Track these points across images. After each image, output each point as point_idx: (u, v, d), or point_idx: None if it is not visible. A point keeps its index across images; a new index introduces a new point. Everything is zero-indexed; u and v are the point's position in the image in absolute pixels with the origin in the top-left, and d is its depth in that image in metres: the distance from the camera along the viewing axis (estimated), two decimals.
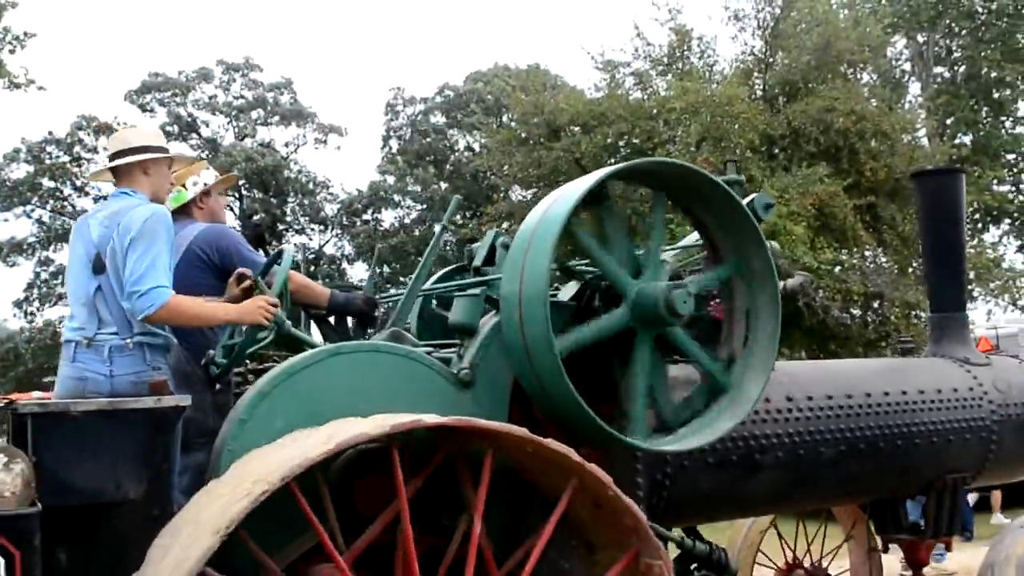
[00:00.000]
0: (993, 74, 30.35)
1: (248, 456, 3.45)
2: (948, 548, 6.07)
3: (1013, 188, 30.23)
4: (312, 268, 37.00)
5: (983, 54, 30.24)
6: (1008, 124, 31.43)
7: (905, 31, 31.04)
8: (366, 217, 35.62)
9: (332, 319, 4.95)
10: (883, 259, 24.44)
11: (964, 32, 31.25)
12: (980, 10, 30.84)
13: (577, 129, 25.47)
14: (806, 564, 6.85)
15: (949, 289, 6.36)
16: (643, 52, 27.65)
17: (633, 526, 3.78)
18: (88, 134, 33.46)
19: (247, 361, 4.77)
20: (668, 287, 4.04)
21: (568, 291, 4.44)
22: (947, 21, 31.06)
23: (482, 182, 32.39)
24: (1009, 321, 21.58)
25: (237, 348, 4.36)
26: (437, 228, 4.89)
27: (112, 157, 4.34)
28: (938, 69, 31.98)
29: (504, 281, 4.00)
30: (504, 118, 31.62)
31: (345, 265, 38.22)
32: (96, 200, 29.31)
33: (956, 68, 32.07)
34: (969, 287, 26.25)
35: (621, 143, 25.89)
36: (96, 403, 3.51)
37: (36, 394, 4.76)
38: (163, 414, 3.51)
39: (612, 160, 25.76)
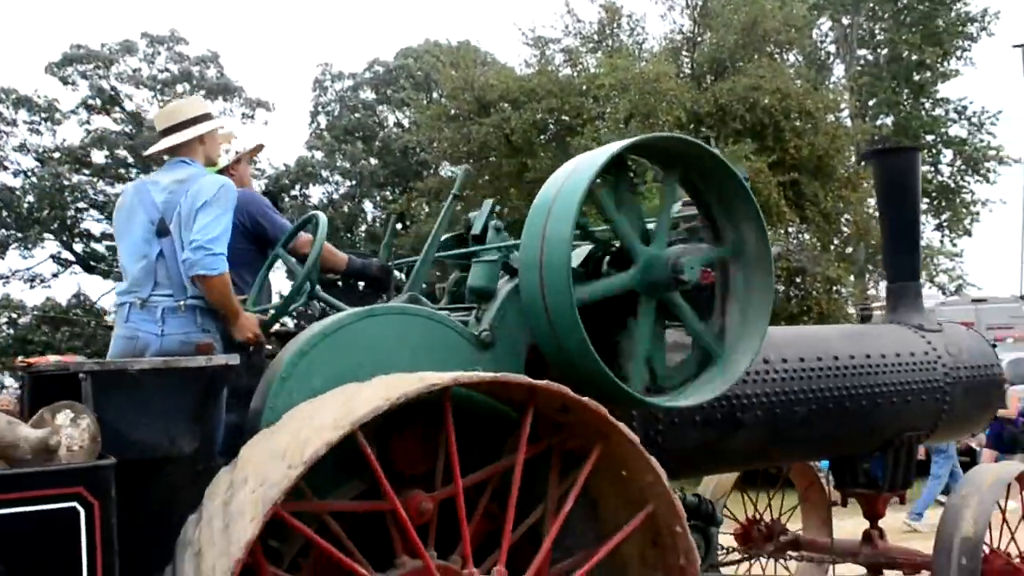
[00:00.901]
0: (914, 57, 31.24)
1: (302, 407, 3.66)
2: (902, 501, 6.45)
3: (931, 168, 31.13)
4: None
5: (904, 37, 31.11)
6: (927, 106, 32.41)
7: (830, 13, 31.81)
8: (294, 193, 35.33)
9: (340, 284, 5.16)
10: (806, 236, 25.02)
11: (886, 15, 32.11)
12: None
13: (507, 105, 25.59)
14: (766, 519, 7.20)
15: (905, 260, 6.74)
16: (573, 29, 28.05)
17: (653, 483, 4.04)
18: (7, 107, 32.72)
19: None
20: (676, 254, 4.32)
21: (577, 257, 4.67)
22: (870, 4, 31.91)
23: (412, 158, 32.30)
24: (926, 297, 22.12)
25: (277, 311, 4.56)
26: (449, 199, 5.08)
27: (169, 131, 4.49)
28: (861, 51, 32.83)
29: (524, 247, 4.22)
30: (434, 94, 31.60)
31: None
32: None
33: (878, 50, 32.95)
34: None
35: (551, 119, 26.09)
36: (151, 362, 3.65)
37: (53, 358, 4.88)
38: (214, 372, 3.68)
39: (541, 137, 26.04)
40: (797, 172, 23.72)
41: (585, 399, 3.82)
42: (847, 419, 5.80)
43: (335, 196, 35.46)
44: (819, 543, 6.91)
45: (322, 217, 4.71)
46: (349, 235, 34.12)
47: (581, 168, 4.27)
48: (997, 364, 6.71)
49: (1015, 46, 49.35)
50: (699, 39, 26.92)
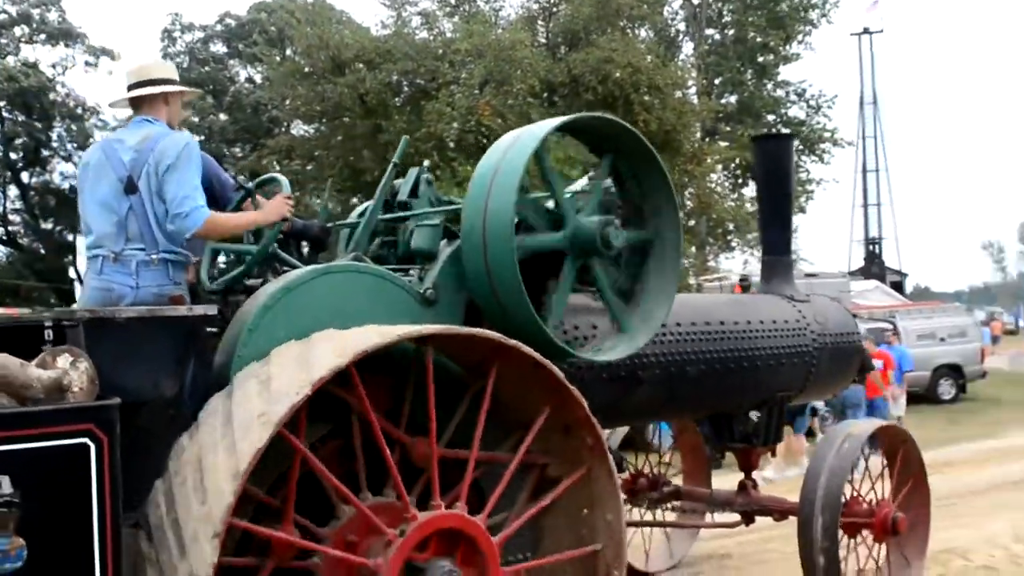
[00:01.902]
0: (758, 39, 32.65)
1: (282, 350, 3.95)
2: (773, 454, 7.05)
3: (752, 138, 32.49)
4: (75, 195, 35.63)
5: (750, 19, 32.49)
6: (770, 87, 33.92)
7: None
8: None
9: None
10: None
11: None
12: None
13: (362, 66, 25.64)
14: (647, 474, 7.74)
15: (779, 236, 7.34)
16: None
17: (593, 445, 4.51)
18: None
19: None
20: (604, 222, 4.75)
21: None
22: None
23: (263, 115, 32.07)
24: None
25: (245, 268, 4.80)
26: (389, 167, 5.37)
27: (135, 86, 4.69)
28: (709, 31, 34.05)
29: (468, 212, 4.58)
30: (288, 51, 31.34)
31: None
32: None
33: (726, 31, 34.24)
34: (728, 238, 28.33)
35: (406, 82, 26.26)
36: (137, 311, 3.87)
37: (1, 311, 5.01)
38: (195, 322, 3.94)
39: (396, 98, 26.18)
40: None
41: (545, 361, 4.24)
42: (731, 379, 6.35)
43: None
44: (698, 493, 7.49)
45: (284, 180, 4.98)
46: None
47: (524, 139, 4.66)
48: (857, 332, 7.41)
49: (852, 34, 52.10)
50: (555, 9, 27.43)
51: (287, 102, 27.50)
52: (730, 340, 6.34)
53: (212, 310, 4.03)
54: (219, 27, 35.64)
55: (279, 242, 5.06)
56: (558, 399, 4.45)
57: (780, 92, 34.06)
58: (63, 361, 3.53)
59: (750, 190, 32.94)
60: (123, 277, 4.34)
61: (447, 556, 4.12)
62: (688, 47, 34.10)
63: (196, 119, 33.58)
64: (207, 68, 34.82)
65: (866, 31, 50.61)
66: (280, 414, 3.54)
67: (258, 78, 34.45)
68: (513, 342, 4.20)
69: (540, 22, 27.44)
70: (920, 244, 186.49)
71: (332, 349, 3.77)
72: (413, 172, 5.56)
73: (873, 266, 40.91)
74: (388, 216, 5.28)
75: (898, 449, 6.63)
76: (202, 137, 34.00)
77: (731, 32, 33.84)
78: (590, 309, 5.31)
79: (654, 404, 6.04)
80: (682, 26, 34.54)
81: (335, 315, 4.26)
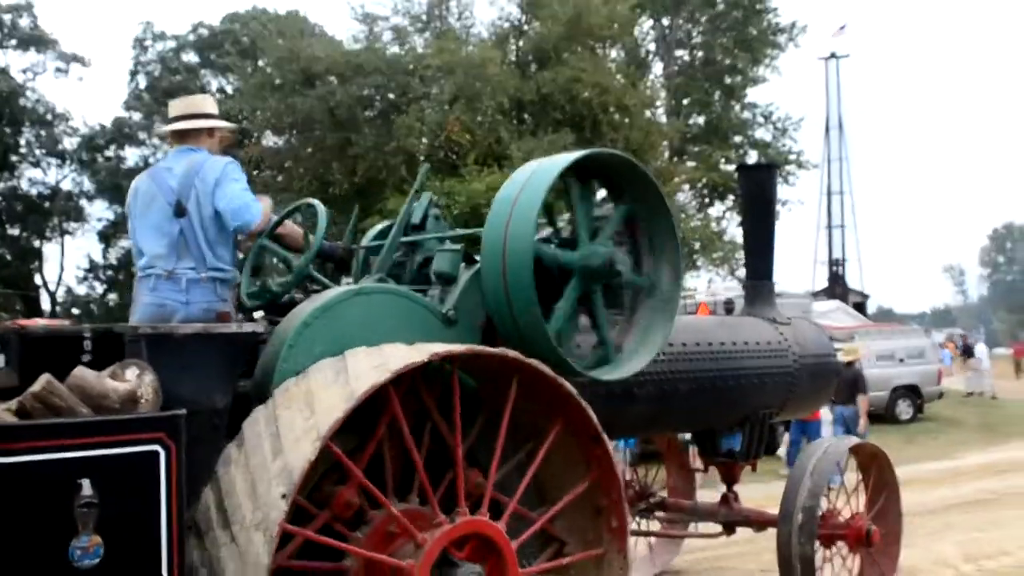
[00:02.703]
0: (727, 61, 33.30)
1: (322, 366, 4.28)
2: (754, 469, 7.44)
3: (738, 168, 33.11)
4: (47, 204, 35.70)
5: (719, 41, 33.17)
6: (737, 109, 34.57)
7: (651, 12, 33.36)
8: (108, 153, 34.60)
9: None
10: None
11: (704, 19, 34.03)
12: (719, 0, 33.62)
13: (333, 79, 25.91)
14: (635, 486, 8.14)
15: (762, 262, 7.76)
16: (403, 8, 28.59)
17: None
18: None
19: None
20: (613, 252, 5.13)
21: None
22: (690, 7, 33.68)
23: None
24: (727, 289, 23.66)
25: (291, 278, 5.16)
26: (411, 194, 5.72)
27: (182, 119, 5.04)
28: (679, 52, 34.65)
29: (487, 238, 4.96)
30: (259, 62, 31.51)
31: (84, 202, 37.05)
32: None
33: (695, 52, 34.90)
34: (693, 257, 28.82)
35: (376, 96, 26.53)
36: (194, 327, 4.22)
37: (42, 322, 5.33)
38: (243, 338, 4.30)
39: (367, 112, 26.43)
40: None
41: (561, 379, 4.67)
42: (718, 396, 6.75)
43: (152, 160, 34.88)
44: (682, 505, 7.89)
45: (321, 208, 5.34)
46: None
47: (543, 170, 5.04)
48: (834, 354, 7.85)
49: (820, 58, 53.05)
50: (526, 27, 27.81)
51: (257, 113, 27.62)
52: (718, 360, 6.74)
53: (260, 327, 4.37)
54: (191, 37, 35.77)
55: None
56: (569, 414, 4.82)
57: (747, 114, 34.75)
58: (131, 373, 3.86)
59: (716, 210, 33.59)
60: (175, 294, 4.70)
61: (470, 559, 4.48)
62: (658, 67, 34.76)
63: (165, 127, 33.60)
64: (179, 77, 34.88)
65: (833, 56, 51.54)
66: (328, 427, 3.88)
67: (229, 89, 34.58)
68: (531, 361, 4.59)
69: (511, 40, 27.76)
70: (883, 266, 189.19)
71: (372, 366, 4.12)
72: (424, 197, 5.92)
73: (836, 287, 41.61)
74: (406, 239, 5.63)
75: (872, 465, 7.05)
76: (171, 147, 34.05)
77: (700, 54, 34.48)
78: (590, 329, 5.69)
79: (646, 420, 6.43)
80: (652, 46, 35.17)
81: (367, 333, 4.60)
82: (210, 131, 5.20)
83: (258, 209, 4.85)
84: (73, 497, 3.46)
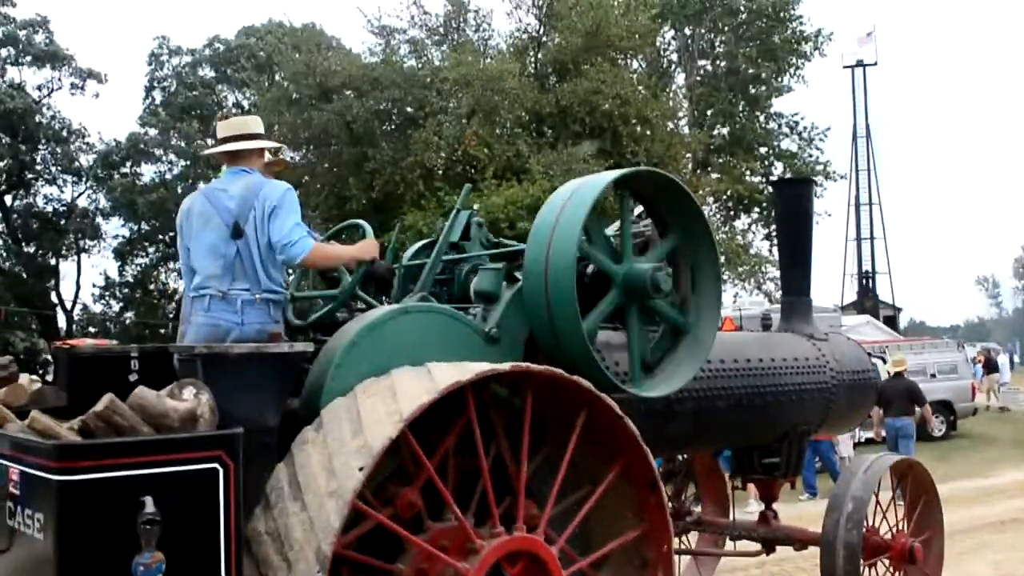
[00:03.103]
0: (751, 71, 33.40)
1: (368, 387, 4.42)
2: (792, 486, 7.53)
3: (763, 179, 33.35)
4: (63, 222, 35.98)
5: (742, 51, 33.23)
6: (762, 119, 34.68)
7: (672, 23, 33.52)
8: (124, 170, 34.84)
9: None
10: None
11: (727, 28, 34.14)
12: (742, 8, 33.79)
13: (350, 92, 26.14)
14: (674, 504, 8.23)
15: (799, 278, 7.87)
16: (419, 20, 28.79)
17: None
18: None
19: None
20: (656, 267, 5.27)
21: None
22: (712, 17, 33.80)
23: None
24: (752, 303, 23.67)
25: (339, 297, 5.31)
26: (454, 212, 5.90)
27: (232, 139, 5.18)
28: (701, 62, 34.79)
29: (529, 258, 5.11)
30: (276, 76, 31.75)
31: (100, 220, 37.38)
32: None
33: (718, 62, 35.01)
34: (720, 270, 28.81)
35: (393, 110, 26.70)
36: (247, 347, 4.36)
37: (89, 341, 5.47)
38: (295, 357, 4.43)
39: (384, 126, 26.61)
40: None
41: (626, 418, 4.86)
42: (756, 413, 6.85)
43: (168, 176, 35.23)
44: (721, 523, 7.98)
45: (368, 228, 5.48)
46: None
47: (583, 191, 5.19)
48: (873, 369, 7.93)
49: (845, 67, 53.19)
50: (544, 39, 27.97)
51: (274, 128, 27.78)
52: (757, 376, 6.84)
53: (310, 347, 4.50)
54: (207, 51, 36.07)
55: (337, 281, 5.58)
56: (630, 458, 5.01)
57: (772, 124, 34.84)
58: (188, 393, 3.99)
59: (742, 223, 33.62)
60: (229, 315, 4.82)
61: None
62: (680, 78, 34.90)
63: (183, 143, 33.95)
64: (195, 92, 35.23)
65: (860, 64, 51.66)
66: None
67: (246, 103, 34.86)
68: (582, 381, 4.72)
69: (529, 52, 27.92)
70: (915, 278, 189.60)
71: (421, 386, 4.26)
72: (464, 215, 6.07)
73: (866, 300, 41.61)
74: (448, 258, 5.77)
75: (910, 479, 7.15)
76: (188, 162, 34.40)
77: (723, 64, 34.58)
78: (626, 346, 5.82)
79: (686, 436, 6.53)
80: (674, 57, 35.31)
81: (412, 351, 4.75)
82: (260, 152, 5.31)
83: (307, 244, 4.91)
84: (136, 514, 3.58)
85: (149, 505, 3.61)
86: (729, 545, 8.16)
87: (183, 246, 5.15)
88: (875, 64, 54.19)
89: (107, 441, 3.70)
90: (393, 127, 27.07)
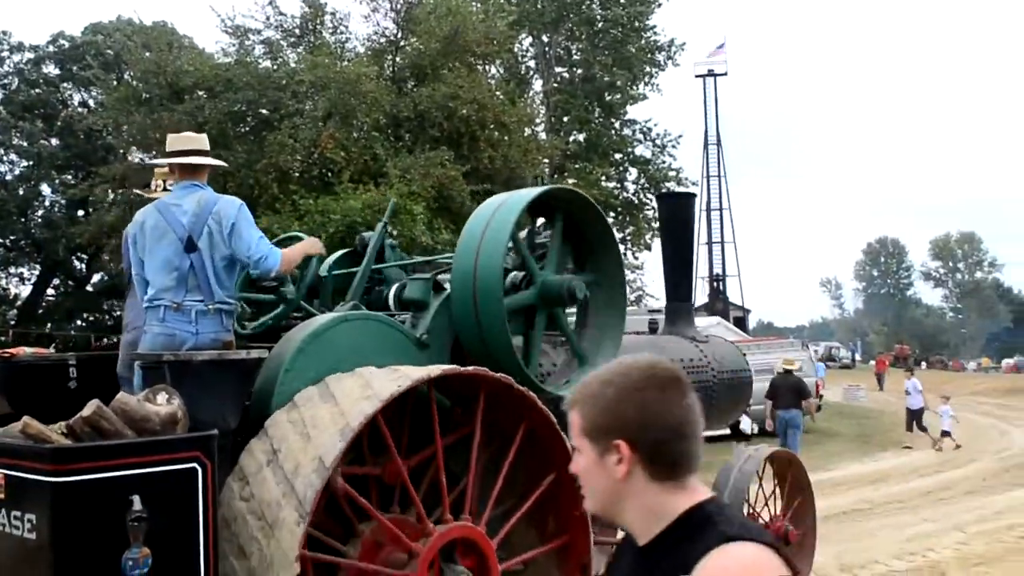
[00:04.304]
0: (606, 78, 34.37)
1: (311, 395, 4.82)
2: None
3: (618, 184, 34.31)
4: None
5: (598, 59, 34.22)
6: (617, 126, 35.75)
7: (530, 30, 34.24)
8: None
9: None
10: None
11: (583, 37, 35.08)
12: (598, 17, 34.78)
13: (202, 93, 25.85)
14: None
15: (681, 284, 8.52)
16: (275, 21, 28.60)
17: (561, 451, 5.47)
18: None
19: None
20: (568, 279, 5.81)
21: None
22: (569, 25, 34.68)
23: (96, 141, 31.74)
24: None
25: (285, 307, 5.70)
26: (378, 226, 6.33)
27: (185, 153, 5.46)
28: (559, 69, 35.64)
29: (457, 268, 5.59)
30: (124, 75, 31.15)
31: None
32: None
33: (574, 70, 35.92)
34: None
35: (248, 112, 26.57)
36: (209, 354, 4.72)
37: (28, 350, 5.70)
38: (251, 364, 4.81)
39: (238, 127, 26.49)
40: (490, 182, 25.50)
41: (525, 389, 5.31)
42: None
43: (9, 177, 34.23)
44: None
45: (307, 238, 5.91)
46: (23, 220, 33.22)
47: (509, 205, 5.69)
48: (748, 369, 8.64)
49: (697, 76, 55.01)
50: (402, 43, 28.22)
51: (123, 128, 27.36)
52: None
53: (265, 354, 4.90)
54: (51, 48, 35.09)
55: (280, 288, 5.98)
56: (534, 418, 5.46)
57: (627, 131, 35.93)
58: (162, 398, 4.35)
59: None
60: (184, 325, 5.14)
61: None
62: (538, 84, 35.64)
63: (25, 143, 33.09)
64: (38, 91, 34.24)
65: (711, 73, 53.51)
66: (332, 457, 4.43)
67: (92, 103, 34.12)
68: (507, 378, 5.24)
69: (387, 56, 28.14)
70: (763, 281, 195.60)
71: (363, 396, 4.69)
72: (380, 228, 6.54)
73: (717, 302, 43.13)
74: (383, 265, 6.22)
75: (788, 471, 7.85)
76: (30, 163, 33.53)
77: (579, 71, 35.51)
78: (547, 350, 6.35)
79: None
80: (532, 63, 36.05)
81: (353, 356, 5.18)
82: (207, 168, 5.62)
83: (276, 256, 5.26)
84: (124, 512, 3.93)
85: (137, 503, 3.96)
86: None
87: (135, 258, 5.40)
88: (725, 74, 56.66)
89: (98, 444, 4.05)
90: (247, 129, 26.91)
